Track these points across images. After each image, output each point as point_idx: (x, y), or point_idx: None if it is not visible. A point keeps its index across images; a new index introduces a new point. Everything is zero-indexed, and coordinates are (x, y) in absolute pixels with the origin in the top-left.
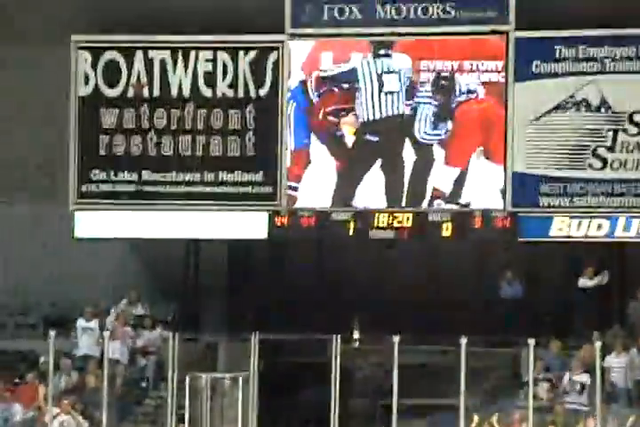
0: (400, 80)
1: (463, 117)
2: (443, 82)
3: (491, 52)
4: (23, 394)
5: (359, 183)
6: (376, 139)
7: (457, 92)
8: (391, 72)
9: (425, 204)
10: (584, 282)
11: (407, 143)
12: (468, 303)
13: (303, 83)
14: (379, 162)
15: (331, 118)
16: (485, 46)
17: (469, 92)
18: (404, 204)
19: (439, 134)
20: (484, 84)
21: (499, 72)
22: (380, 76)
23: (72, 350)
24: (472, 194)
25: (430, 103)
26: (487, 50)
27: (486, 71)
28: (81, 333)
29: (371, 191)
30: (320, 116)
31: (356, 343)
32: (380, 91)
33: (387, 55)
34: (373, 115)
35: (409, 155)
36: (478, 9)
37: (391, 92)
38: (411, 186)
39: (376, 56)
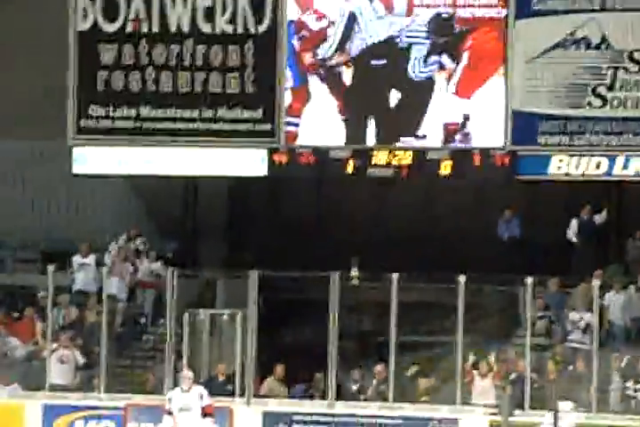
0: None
1: (469, 53)
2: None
3: None
4: (21, 329)
5: (359, 120)
6: (379, 62)
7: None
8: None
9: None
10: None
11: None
12: (466, 242)
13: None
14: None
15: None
16: None
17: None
18: (401, 140)
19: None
20: (486, 19)
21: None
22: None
23: (70, 285)
24: (472, 131)
25: (428, 37)
26: None
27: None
28: (78, 268)
29: (367, 128)
30: (310, 56)
31: (355, 281)
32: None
33: None
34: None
35: (407, 89)
36: None
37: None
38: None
39: None
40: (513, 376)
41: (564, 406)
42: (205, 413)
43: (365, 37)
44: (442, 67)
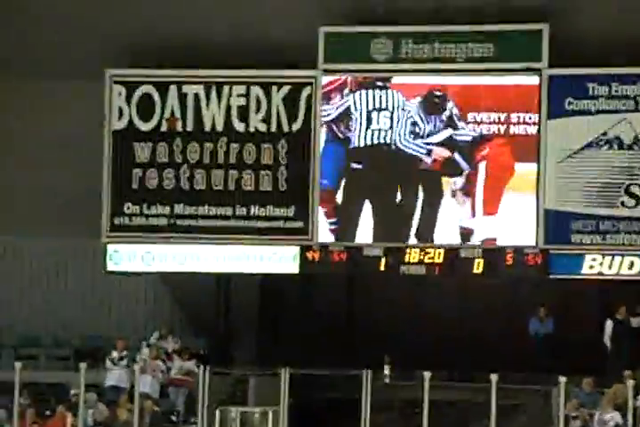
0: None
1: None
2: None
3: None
4: (52, 426)
5: (391, 220)
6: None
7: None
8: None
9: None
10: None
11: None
12: (499, 340)
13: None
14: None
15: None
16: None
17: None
18: (435, 240)
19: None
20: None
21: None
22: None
23: (102, 382)
24: (504, 230)
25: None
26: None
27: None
28: (111, 365)
29: (402, 227)
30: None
31: (387, 379)
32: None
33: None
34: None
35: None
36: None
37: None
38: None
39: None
40: None
41: None
42: None
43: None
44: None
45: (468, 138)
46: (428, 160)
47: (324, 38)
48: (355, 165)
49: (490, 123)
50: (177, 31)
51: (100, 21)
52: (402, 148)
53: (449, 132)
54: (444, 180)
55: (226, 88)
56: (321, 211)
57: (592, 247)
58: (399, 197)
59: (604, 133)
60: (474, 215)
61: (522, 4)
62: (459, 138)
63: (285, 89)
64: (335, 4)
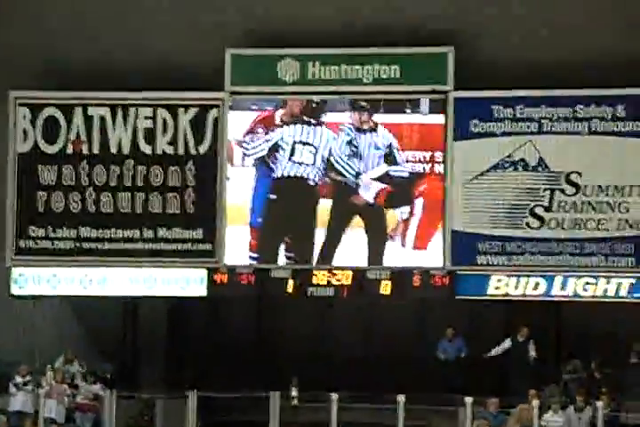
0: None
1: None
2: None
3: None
4: None
5: (300, 241)
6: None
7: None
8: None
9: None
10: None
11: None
12: (406, 362)
13: None
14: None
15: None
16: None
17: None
18: (342, 262)
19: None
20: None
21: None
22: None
23: (6, 407)
24: (409, 252)
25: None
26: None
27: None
28: (15, 390)
29: (311, 249)
30: None
31: (295, 401)
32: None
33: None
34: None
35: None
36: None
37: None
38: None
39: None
40: None
41: None
42: None
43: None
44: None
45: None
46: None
47: (230, 60)
48: (272, 196)
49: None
50: (80, 54)
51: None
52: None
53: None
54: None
55: (132, 110)
56: (230, 233)
57: (498, 268)
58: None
59: (509, 156)
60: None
61: (428, 28)
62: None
63: (192, 111)
64: (241, 26)
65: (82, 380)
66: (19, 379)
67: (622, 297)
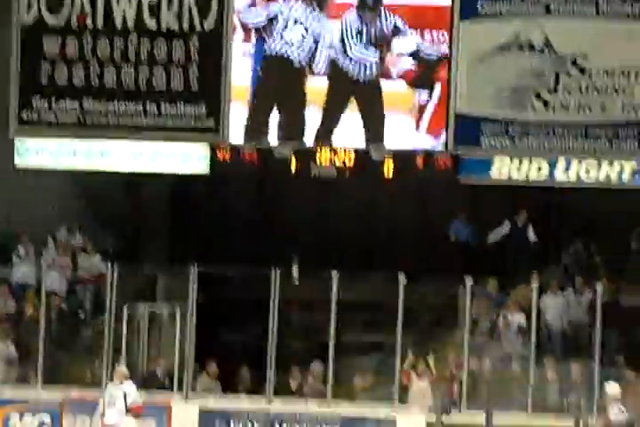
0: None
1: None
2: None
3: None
4: None
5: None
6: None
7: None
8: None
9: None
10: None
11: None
12: (408, 242)
13: None
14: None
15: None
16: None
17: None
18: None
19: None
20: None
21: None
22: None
23: (9, 277)
24: (412, 134)
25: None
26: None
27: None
28: (18, 260)
29: (315, 129)
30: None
31: (295, 278)
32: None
33: None
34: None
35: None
36: None
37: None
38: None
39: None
40: (450, 376)
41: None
42: (131, 412)
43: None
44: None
45: None
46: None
47: None
48: (260, 73)
49: None
50: None
51: None
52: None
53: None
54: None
55: None
56: (233, 110)
57: (501, 151)
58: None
59: (516, 37)
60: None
61: None
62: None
63: None
64: None
65: (83, 253)
66: (21, 250)
67: (625, 182)
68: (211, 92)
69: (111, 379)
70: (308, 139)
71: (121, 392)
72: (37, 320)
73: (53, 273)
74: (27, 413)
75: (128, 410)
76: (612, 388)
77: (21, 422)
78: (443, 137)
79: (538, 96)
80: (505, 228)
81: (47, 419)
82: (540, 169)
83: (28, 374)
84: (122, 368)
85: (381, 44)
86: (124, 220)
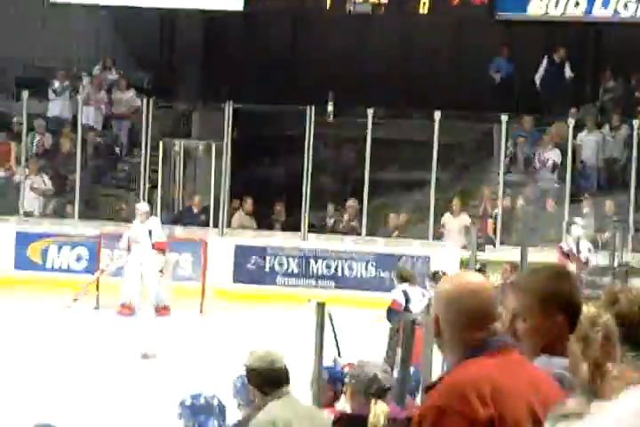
0: None
1: None
2: None
3: None
4: None
5: None
6: None
7: None
8: None
9: None
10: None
11: None
12: (443, 78)
13: None
14: None
15: None
16: None
17: None
18: None
19: None
20: None
21: None
22: None
23: (45, 112)
24: None
25: None
26: None
27: None
28: (54, 95)
29: None
30: None
31: (330, 117)
32: None
33: None
34: None
35: None
36: None
37: None
38: None
39: None
40: (484, 213)
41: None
42: (156, 248)
43: None
44: None
45: None
46: None
47: None
48: None
49: None
50: None
51: None
52: None
53: None
54: None
55: None
56: None
57: None
58: None
59: None
60: None
61: None
62: None
63: None
64: None
65: (118, 88)
66: (57, 85)
67: None
68: None
69: (134, 217)
70: None
71: (145, 230)
72: (74, 155)
73: (89, 108)
74: (64, 246)
75: (153, 247)
76: (576, 229)
77: (59, 254)
78: None
79: None
80: (543, 65)
81: (84, 252)
82: (577, 4)
83: (66, 208)
84: (143, 205)
85: None
86: (159, 56)
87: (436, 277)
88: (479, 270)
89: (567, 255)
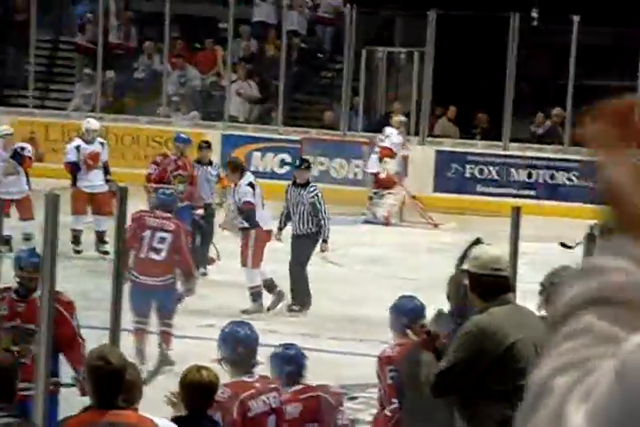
0: None
1: None
2: None
3: None
4: (201, 60)
5: None
6: None
7: None
8: None
9: None
10: None
11: None
12: None
13: None
14: None
15: None
16: None
17: None
18: None
19: None
20: None
21: None
22: None
23: (250, 18)
24: None
25: None
26: None
27: None
28: (259, 0)
29: None
30: None
31: (535, 22)
32: None
33: None
34: None
35: None
36: None
37: None
38: None
39: None
40: None
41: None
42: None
43: None
44: None
45: None
46: None
47: None
48: None
49: None
50: None
51: None
52: None
53: None
54: None
55: None
56: None
57: None
58: None
59: None
60: None
61: None
62: None
63: None
64: None
65: None
66: None
67: None
68: None
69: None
70: None
71: None
72: (278, 61)
73: (293, 12)
74: (268, 152)
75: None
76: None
77: (262, 159)
78: None
79: None
80: None
81: (287, 158)
82: None
83: (270, 114)
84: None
85: None
86: None
87: None
88: None
89: None
